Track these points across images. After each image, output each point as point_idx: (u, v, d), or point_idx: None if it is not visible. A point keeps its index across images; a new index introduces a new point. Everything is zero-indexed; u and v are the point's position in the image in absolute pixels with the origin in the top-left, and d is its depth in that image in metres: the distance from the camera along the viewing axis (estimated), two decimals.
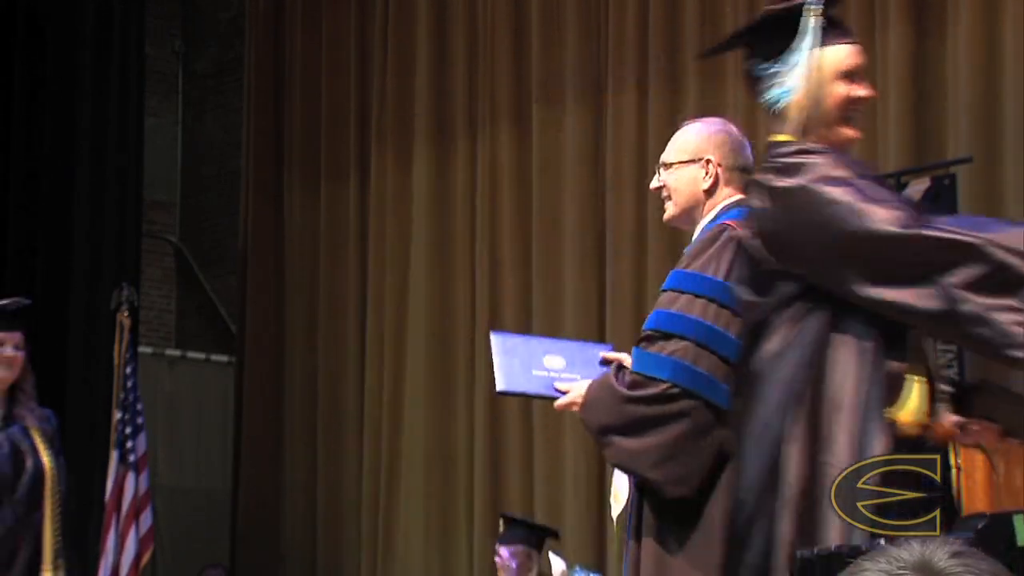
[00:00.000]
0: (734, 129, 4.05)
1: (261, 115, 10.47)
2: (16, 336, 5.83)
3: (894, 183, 7.07)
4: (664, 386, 3.75)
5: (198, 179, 11.48)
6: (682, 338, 3.77)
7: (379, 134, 9.74)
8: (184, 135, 11.59)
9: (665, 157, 4.03)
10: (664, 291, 3.90)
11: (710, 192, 3.95)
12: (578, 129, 8.74)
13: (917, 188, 6.95)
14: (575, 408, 3.92)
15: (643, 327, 3.89)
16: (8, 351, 5.78)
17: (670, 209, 4.01)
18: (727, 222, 3.86)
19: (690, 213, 3.98)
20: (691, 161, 3.96)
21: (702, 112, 8.06)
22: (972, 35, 7.13)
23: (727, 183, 3.95)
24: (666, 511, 3.81)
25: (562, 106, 8.82)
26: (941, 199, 6.84)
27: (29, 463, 5.70)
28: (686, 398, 3.74)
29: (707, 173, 3.94)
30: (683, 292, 3.84)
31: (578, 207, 8.71)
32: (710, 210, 3.96)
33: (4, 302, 5.93)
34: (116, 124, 10.14)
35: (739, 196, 3.94)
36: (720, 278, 3.80)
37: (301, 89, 10.27)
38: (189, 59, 11.66)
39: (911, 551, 1.77)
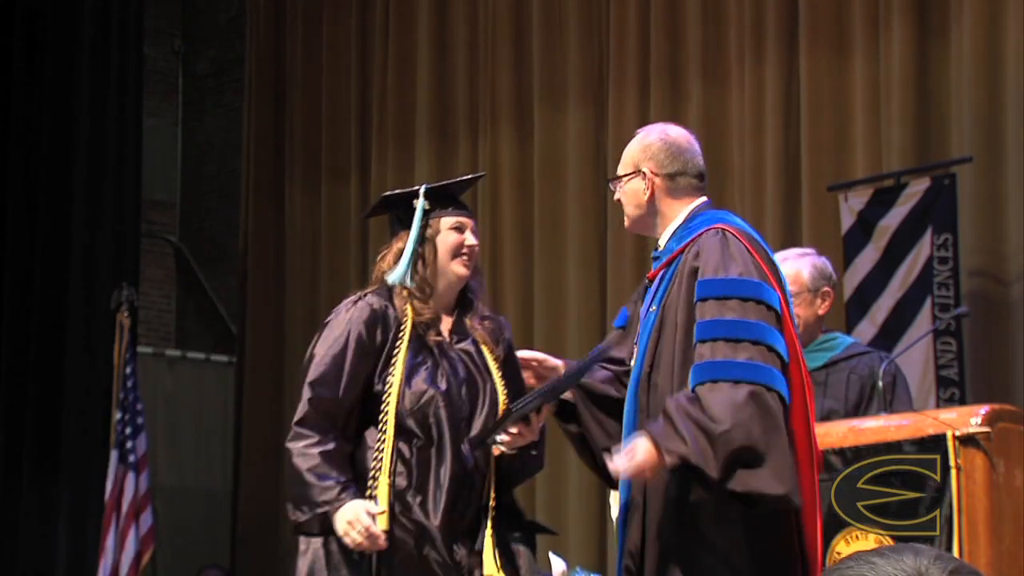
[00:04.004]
0: (673, 133, 4.09)
1: (261, 115, 10.46)
2: (474, 221, 4.55)
3: (894, 183, 7.08)
4: (752, 388, 3.66)
5: (198, 179, 11.47)
6: (754, 342, 3.73)
7: (380, 134, 9.73)
8: (184, 135, 11.58)
9: (619, 170, 4.11)
10: (699, 301, 3.83)
11: (651, 201, 4.03)
12: (579, 129, 8.73)
13: (917, 188, 6.94)
14: (649, 473, 3.71)
15: (695, 339, 3.79)
16: (470, 239, 4.50)
17: (627, 220, 4.12)
18: (719, 226, 3.90)
19: (644, 222, 4.07)
20: (632, 174, 4.05)
21: (705, 112, 8.10)
22: (975, 35, 7.12)
23: (669, 191, 4.02)
24: (717, 514, 3.73)
25: (563, 106, 8.81)
26: (941, 199, 6.83)
27: (487, 389, 4.33)
28: (779, 401, 3.70)
29: (645, 184, 4.02)
30: (728, 298, 3.80)
31: (579, 207, 8.69)
32: (672, 218, 4.02)
33: (467, 177, 4.68)
34: (115, 124, 10.13)
35: (699, 200, 4.02)
36: (747, 278, 3.83)
37: (302, 89, 10.26)
38: (189, 59, 11.65)
39: (903, 564, 1.65)
